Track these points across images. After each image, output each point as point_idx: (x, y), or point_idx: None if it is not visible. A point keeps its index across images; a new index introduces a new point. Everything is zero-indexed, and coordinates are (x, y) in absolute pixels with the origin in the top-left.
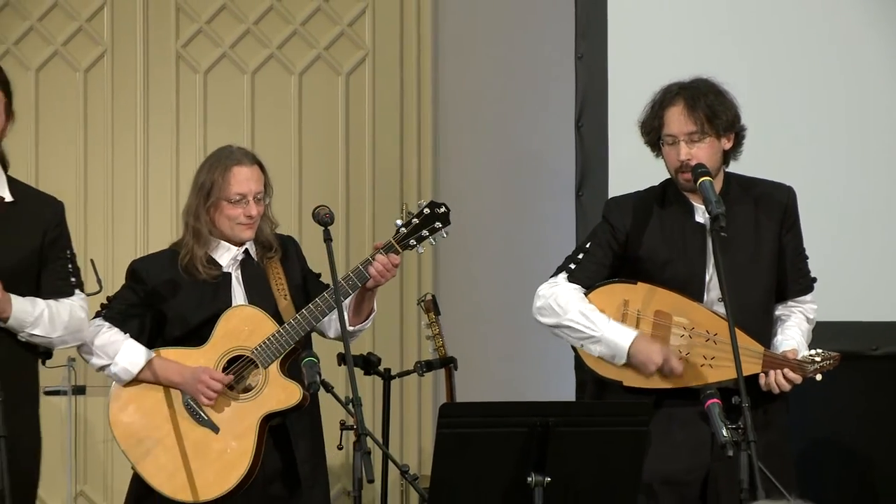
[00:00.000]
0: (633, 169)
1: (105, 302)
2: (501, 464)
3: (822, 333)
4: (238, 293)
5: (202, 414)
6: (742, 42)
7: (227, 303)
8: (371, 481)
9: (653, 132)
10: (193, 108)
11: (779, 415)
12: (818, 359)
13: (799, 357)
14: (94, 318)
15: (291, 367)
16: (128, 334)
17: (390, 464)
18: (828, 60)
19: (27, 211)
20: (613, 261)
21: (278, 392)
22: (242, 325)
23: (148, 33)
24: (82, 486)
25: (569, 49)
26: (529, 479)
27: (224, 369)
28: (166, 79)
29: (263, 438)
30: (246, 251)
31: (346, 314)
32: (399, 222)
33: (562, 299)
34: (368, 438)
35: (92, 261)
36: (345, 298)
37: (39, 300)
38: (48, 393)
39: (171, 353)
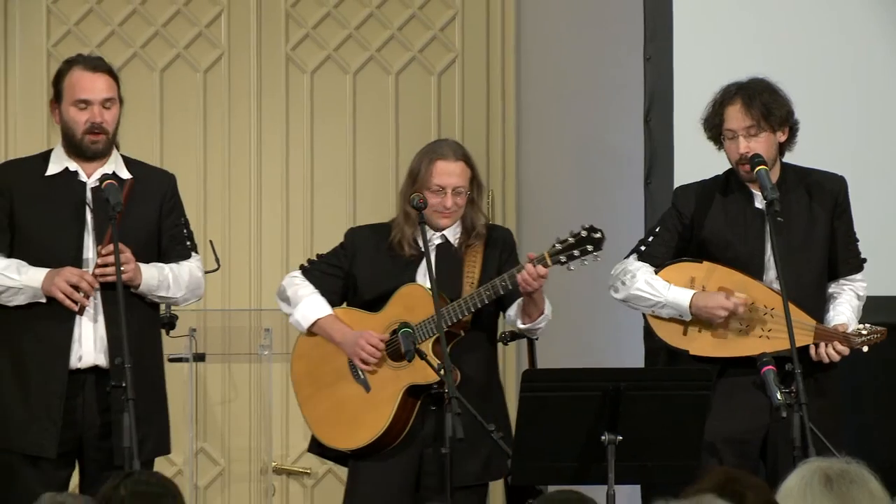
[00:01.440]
0: (696, 159)
1: (312, 258)
2: (578, 424)
3: (867, 307)
4: (427, 272)
5: (359, 373)
6: (798, 45)
7: (411, 278)
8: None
9: (714, 128)
10: (301, 105)
11: (830, 382)
12: (865, 332)
13: (848, 331)
14: (296, 270)
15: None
16: (317, 290)
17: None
18: (888, 58)
19: (145, 185)
20: (679, 243)
21: (423, 368)
22: (413, 301)
23: (261, 38)
24: (202, 444)
25: (638, 51)
26: (603, 437)
27: (393, 336)
28: (277, 78)
29: (412, 407)
30: (444, 236)
31: (466, 303)
32: (559, 237)
33: (630, 274)
34: (458, 401)
35: (211, 241)
36: (494, 297)
37: (164, 265)
38: (172, 360)
39: (346, 314)
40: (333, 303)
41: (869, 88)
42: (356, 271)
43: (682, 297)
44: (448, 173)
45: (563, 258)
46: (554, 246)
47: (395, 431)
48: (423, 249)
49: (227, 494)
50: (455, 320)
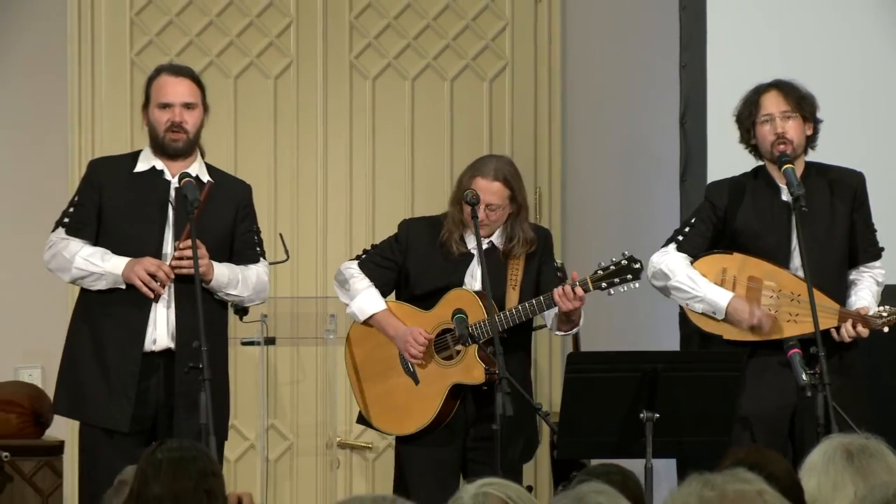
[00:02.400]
0: (728, 159)
1: (367, 248)
2: (618, 403)
3: (885, 295)
4: (476, 274)
5: (409, 366)
6: (826, 52)
7: (460, 280)
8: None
9: (749, 118)
10: (364, 109)
11: (852, 361)
12: (885, 314)
13: (869, 313)
14: (352, 260)
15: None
16: (372, 283)
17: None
18: None
19: (223, 191)
20: (714, 233)
21: (469, 369)
22: (462, 304)
23: (327, 47)
24: (272, 420)
25: (674, 59)
26: (641, 415)
27: (438, 336)
28: (341, 84)
29: (454, 402)
30: (491, 242)
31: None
32: (602, 264)
33: (671, 266)
34: (507, 381)
35: (280, 234)
36: (539, 313)
37: (235, 266)
38: (245, 343)
39: (399, 309)
40: (385, 293)
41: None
42: (409, 265)
43: (720, 297)
44: (483, 190)
45: (604, 284)
46: (596, 272)
47: (439, 422)
48: (469, 251)
49: (295, 467)
50: (500, 329)
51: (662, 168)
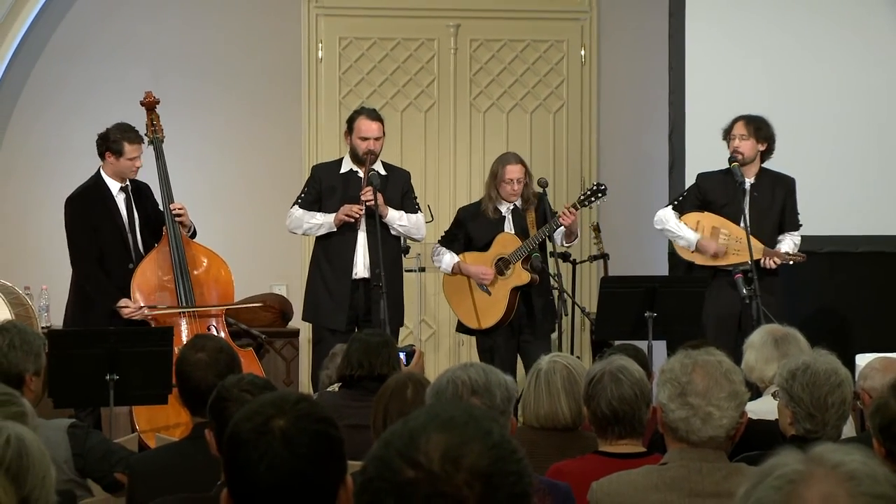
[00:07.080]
0: (698, 161)
1: (443, 234)
2: (632, 306)
3: (827, 241)
4: (509, 225)
5: (483, 286)
6: (774, 92)
7: (500, 230)
8: (566, 315)
9: (726, 132)
10: (478, 131)
11: (774, 283)
12: (791, 252)
13: (782, 251)
14: (438, 241)
15: (533, 263)
16: (451, 250)
17: (576, 306)
18: (860, 109)
19: (393, 177)
20: (696, 202)
21: (518, 276)
22: (506, 242)
23: (455, 93)
24: (423, 316)
25: (665, 98)
26: (646, 314)
27: (496, 264)
28: (464, 116)
29: (515, 300)
30: (514, 205)
31: (558, 236)
32: (581, 192)
33: (668, 219)
34: (564, 294)
35: (429, 205)
36: (555, 231)
37: (403, 212)
38: (407, 271)
39: (470, 255)
40: (458, 252)
41: (819, 130)
42: (469, 231)
43: (692, 236)
44: (513, 171)
45: (586, 203)
46: (579, 198)
47: (507, 316)
48: (502, 214)
49: (436, 344)
50: (531, 248)
51: (657, 166)
